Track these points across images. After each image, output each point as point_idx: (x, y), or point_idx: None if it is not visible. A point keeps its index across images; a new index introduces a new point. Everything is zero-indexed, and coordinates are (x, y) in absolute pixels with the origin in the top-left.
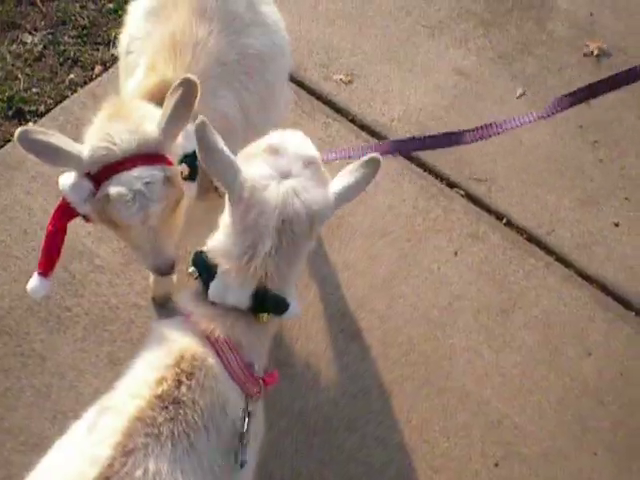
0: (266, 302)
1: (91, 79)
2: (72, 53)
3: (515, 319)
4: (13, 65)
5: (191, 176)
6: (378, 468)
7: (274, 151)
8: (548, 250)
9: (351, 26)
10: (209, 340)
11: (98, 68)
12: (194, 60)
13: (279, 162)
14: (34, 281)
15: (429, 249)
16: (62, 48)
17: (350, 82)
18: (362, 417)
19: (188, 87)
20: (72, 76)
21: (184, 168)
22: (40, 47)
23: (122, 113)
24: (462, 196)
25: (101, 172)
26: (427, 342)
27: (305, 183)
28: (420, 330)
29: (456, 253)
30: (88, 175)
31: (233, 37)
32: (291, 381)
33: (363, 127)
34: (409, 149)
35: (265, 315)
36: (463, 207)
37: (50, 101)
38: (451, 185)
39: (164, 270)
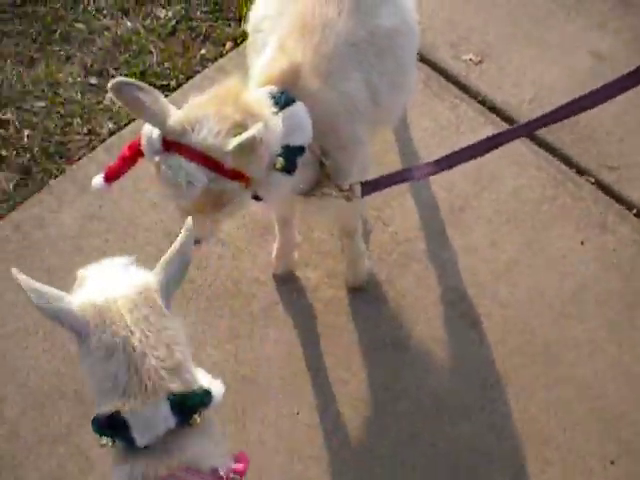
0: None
1: (221, 55)
2: (204, 29)
3: None
4: (146, 39)
5: (287, 169)
6: (490, 456)
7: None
8: None
9: (484, 4)
10: None
11: (229, 44)
12: (323, 40)
13: None
14: (98, 180)
15: (554, 237)
16: (194, 24)
17: (480, 62)
18: (477, 404)
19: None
20: (203, 51)
21: (279, 161)
22: (173, 22)
23: (227, 102)
24: (592, 184)
25: (170, 144)
26: (548, 332)
27: None
28: (542, 319)
29: (582, 242)
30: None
31: (362, 17)
32: (410, 365)
33: (493, 109)
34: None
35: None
36: (592, 195)
37: (181, 76)
38: (580, 172)
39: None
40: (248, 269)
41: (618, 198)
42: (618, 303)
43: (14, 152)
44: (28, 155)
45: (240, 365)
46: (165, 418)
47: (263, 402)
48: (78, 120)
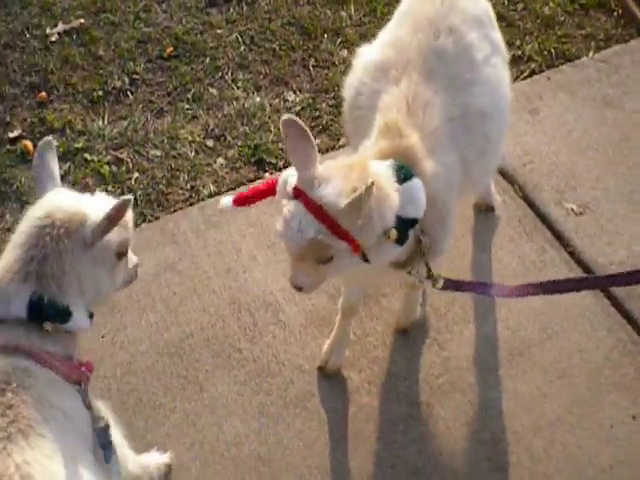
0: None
1: (334, 148)
2: (325, 120)
3: None
4: (269, 118)
5: (399, 241)
6: None
7: None
8: None
9: (601, 158)
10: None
11: (343, 140)
12: (427, 119)
13: None
14: (227, 199)
15: (607, 404)
16: (317, 113)
17: (581, 214)
18: None
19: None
20: (318, 142)
21: (392, 233)
22: (298, 107)
23: (354, 169)
24: None
25: (299, 193)
26: None
27: None
28: None
29: (634, 417)
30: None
31: (456, 95)
32: None
33: (579, 262)
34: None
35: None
36: None
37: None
38: None
39: (292, 285)
40: (295, 354)
41: None
42: None
43: (119, 190)
44: (131, 196)
45: (260, 444)
46: (16, 306)
47: None
48: (185, 176)
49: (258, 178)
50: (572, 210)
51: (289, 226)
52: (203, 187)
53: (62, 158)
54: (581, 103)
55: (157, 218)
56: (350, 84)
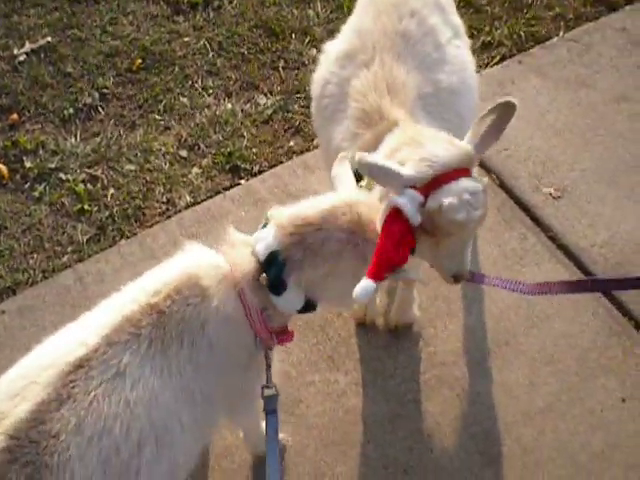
0: (271, 266)
1: (308, 150)
2: (297, 122)
3: None
4: (242, 123)
5: None
6: None
7: None
8: None
9: (577, 140)
10: (233, 275)
11: (317, 140)
12: (405, 98)
13: None
14: (365, 286)
15: (596, 389)
16: (290, 115)
17: (559, 198)
18: None
19: (507, 110)
20: (292, 144)
21: None
22: (270, 111)
23: (423, 136)
24: None
25: (429, 184)
26: None
27: None
28: (562, 472)
29: (624, 400)
30: (414, 188)
31: (426, 73)
32: None
33: (560, 246)
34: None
35: (264, 276)
36: None
37: (265, 163)
38: (638, 327)
39: (463, 277)
40: (280, 361)
41: None
42: None
43: (95, 207)
44: (107, 213)
45: (249, 456)
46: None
47: None
48: (160, 189)
49: (234, 185)
50: (550, 195)
51: (461, 202)
52: (179, 198)
53: (37, 179)
54: (554, 85)
55: (135, 234)
56: (317, 78)
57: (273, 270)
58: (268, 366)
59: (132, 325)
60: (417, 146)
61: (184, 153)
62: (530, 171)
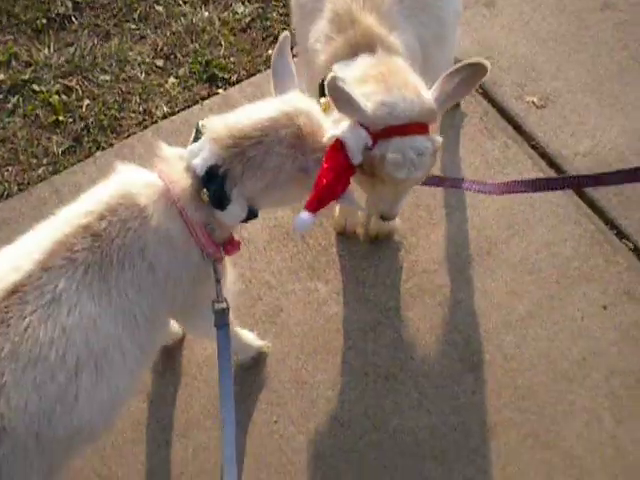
0: (212, 181)
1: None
2: (276, 30)
3: None
4: (219, 32)
5: None
6: None
7: None
8: None
9: (560, 49)
10: (170, 193)
11: (297, 49)
12: (380, 2)
13: None
14: (303, 218)
15: (577, 297)
16: (268, 23)
17: (542, 106)
18: (455, 451)
19: (477, 71)
20: (270, 52)
21: None
22: (248, 19)
23: (394, 77)
24: (630, 249)
25: (382, 131)
26: (547, 392)
27: None
28: (543, 378)
29: (605, 307)
30: (366, 129)
31: None
32: (395, 396)
33: (543, 155)
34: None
35: (205, 193)
36: (627, 261)
37: (243, 72)
38: (621, 235)
39: (390, 218)
40: (261, 271)
41: None
42: (628, 377)
43: (70, 119)
44: (82, 124)
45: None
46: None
47: (245, 404)
48: (137, 99)
49: (211, 95)
50: (533, 103)
51: (405, 160)
52: (156, 109)
53: (10, 91)
54: None
55: (111, 145)
56: None
57: (215, 185)
58: (217, 280)
59: (67, 249)
60: (384, 87)
61: (160, 63)
62: (513, 79)
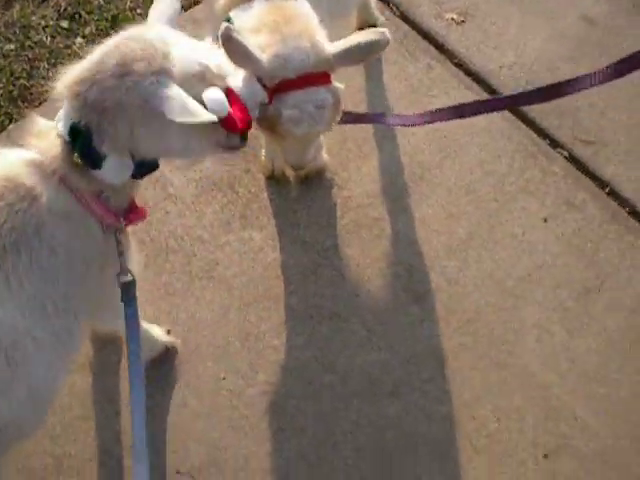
0: (76, 141)
1: (195, 3)
2: None
3: (598, 300)
4: None
5: None
6: (416, 439)
7: None
8: None
9: None
10: (48, 168)
11: None
12: None
13: None
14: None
15: (517, 212)
16: None
17: (463, 22)
18: (410, 384)
19: (379, 42)
20: None
21: None
22: None
23: (290, 26)
24: (565, 158)
25: (278, 85)
26: (495, 313)
27: None
28: (490, 299)
29: (546, 220)
30: (261, 83)
31: None
32: (342, 336)
33: (468, 72)
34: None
35: (76, 156)
36: (563, 170)
37: None
38: (554, 145)
39: (300, 168)
40: (192, 226)
41: (591, 175)
42: (575, 288)
43: None
44: None
45: (172, 324)
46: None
47: (190, 363)
48: (45, 64)
49: None
50: (453, 20)
51: (304, 116)
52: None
53: None
54: None
55: (23, 116)
56: None
57: (79, 144)
58: (120, 252)
59: None
60: (278, 37)
61: (65, 24)
62: None
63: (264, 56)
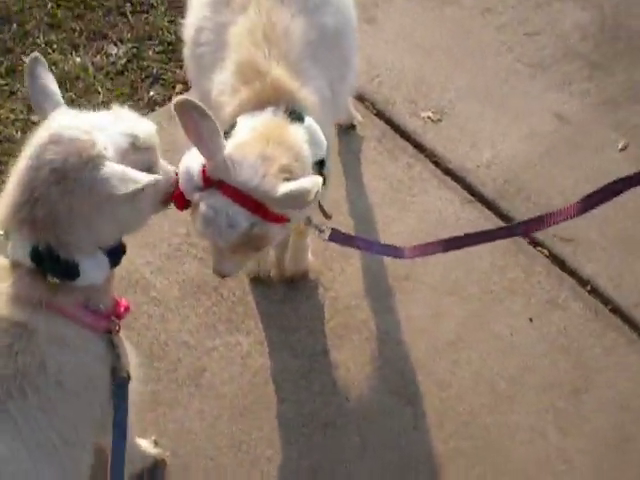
0: (42, 263)
1: (170, 99)
2: (155, 70)
3: (588, 400)
4: (95, 77)
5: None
6: None
7: None
8: (633, 325)
9: (447, 59)
10: (28, 300)
11: (179, 87)
12: (290, 47)
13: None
14: None
15: (502, 312)
16: (145, 63)
17: (439, 120)
18: None
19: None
20: (152, 93)
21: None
22: (124, 60)
23: (272, 146)
24: (545, 256)
25: (214, 182)
26: (489, 415)
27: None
28: (483, 401)
29: (531, 320)
30: (203, 170)
31: (310, 17)
32: (337, 444)
33: (447, 171)
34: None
35: (50, 277)
36: (545, 268)
37: None
38: (534, 243)
39: (219, 275)
40: (176, 331)
41: (572, 273)
42: (564, 388)
43: None
44: None
45: (160, 436)
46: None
47: (180, 476)
48: (15, 161)
49: None
50: (429, 118)
51: (215, 222)
52: None
53: None
54: (419, 4)
55: None
56: (189, 23)
57: (48, 266)
58: (117, 356)
59: None
60: (252, 146)
61: (36, 118)
62: (405, 96)
63: (223, 152)
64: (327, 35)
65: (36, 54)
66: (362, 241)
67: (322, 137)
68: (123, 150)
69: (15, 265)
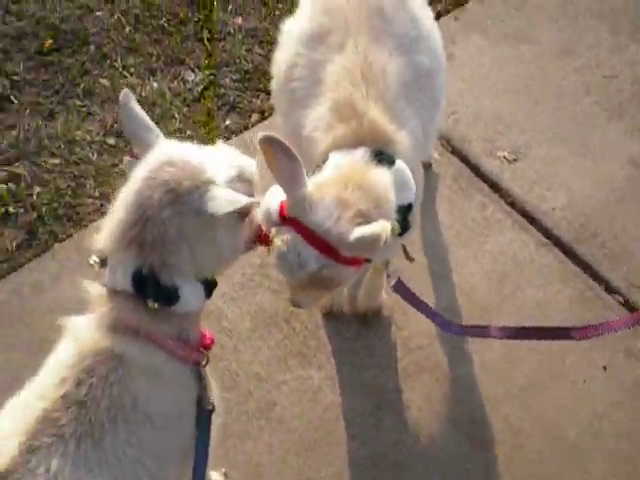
0: (145, 287)
1: (246, 128)
2: (231, 98)
3: None
4: (171, 103)
5: (402, 231)
6: None
7: None
8: None
9: (524, 100)
10: (127, 328)
11: (255, 116)
12: (386, 87)
13: None
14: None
15: (576, 359)
16: (222, 91)
17: (515, 161)
18: None
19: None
20: (228, 122)
21: (395, 227)
22: (200, 87)
23: (355, 191)
24: (621, 304)
25: (292, 221)
26: (560, 464)
27: None
28: (554, 450)
29: (605, 368)
30: (282, 206)
31: (405, 56)
32: None
33: (523, 213)
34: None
35: (152, 302)
36: (620, 316)
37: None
38: (610, 290)
39: (295, 306)
40: (248, 362)
41: None
42: (637, 439)
43: (21, 209)
44: (35, 214)
45: (231, 468)
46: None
47: None
48: (91, 182)
49: None
50: (505, 158)
51: (286, 259)
52: (113, 191)
53: None
54: (494, 42)
55: (69, 235)
56: (280, 59)
57: (150, 289)
58: (204, 388)
59: (51, 426)
60: (334, 188)
61: (112, 141)
62: (481, 134)
63: (304, 190)
64: (421, 75)
65: (126, 90)
66: (424, 306)
67: (412, 181)
68: (229, 179)
69: (113, 292)
